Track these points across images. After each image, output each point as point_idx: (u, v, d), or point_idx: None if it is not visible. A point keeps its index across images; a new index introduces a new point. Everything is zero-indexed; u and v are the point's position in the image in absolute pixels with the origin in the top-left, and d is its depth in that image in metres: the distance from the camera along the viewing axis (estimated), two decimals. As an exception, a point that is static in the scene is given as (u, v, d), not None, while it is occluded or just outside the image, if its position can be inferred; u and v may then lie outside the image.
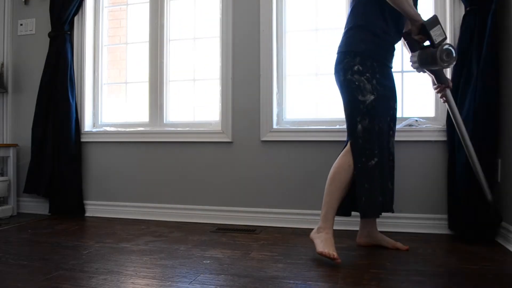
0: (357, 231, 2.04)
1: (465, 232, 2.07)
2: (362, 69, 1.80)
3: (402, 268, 1.62)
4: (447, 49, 1.76)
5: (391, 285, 1.43)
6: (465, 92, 2.09)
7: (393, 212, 1.91)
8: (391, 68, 1.93)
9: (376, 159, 1.77)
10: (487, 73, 2.02)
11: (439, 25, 1.78)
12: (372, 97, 1.79)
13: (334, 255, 1.66)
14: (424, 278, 1.51)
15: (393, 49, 1.92)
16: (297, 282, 1.48)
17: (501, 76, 2.05)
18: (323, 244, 1.72)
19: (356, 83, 1.80)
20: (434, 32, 1.76)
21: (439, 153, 2.25)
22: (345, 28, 1.91)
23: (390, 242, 1.94)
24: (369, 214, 1.81)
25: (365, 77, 1.79)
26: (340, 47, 1.89)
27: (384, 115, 1.84)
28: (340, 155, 1.86)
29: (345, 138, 2.34)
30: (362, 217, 1.94)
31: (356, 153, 1.78)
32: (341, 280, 1.49)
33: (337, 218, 2.48)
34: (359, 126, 1.79)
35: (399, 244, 1.92)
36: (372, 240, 1.97)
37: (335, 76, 1.90)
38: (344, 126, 2.39)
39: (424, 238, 2.13)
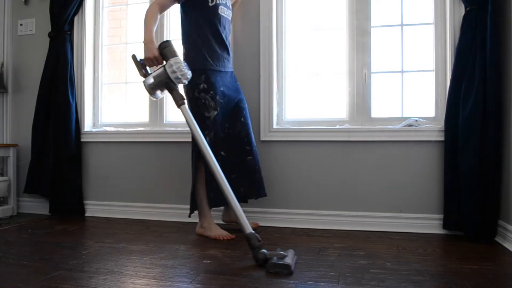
0: (361, 231, 2.07)
1: (464, 232, 2.08)
2: (207, 87, 2.11)
3: (402, 268, 1.62)
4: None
5: (391, 285, 1.43)
6: (468, 94, 2.07)
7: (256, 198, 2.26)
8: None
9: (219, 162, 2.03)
10: (492, 75, 2.01)
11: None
12: (215, 112, 2.12)
13: (227, 235, 2.09)
14: (424, 278, 1.51)
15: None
16: (297, 282, 1.48)
17: (503, 76, 2.05)
18: (210, 231, 2.13)
19: (203, 100, 2.11)
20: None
21: (439, 153, 2.25)
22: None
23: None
24: (219, 204, 2.19)
25: (209, 94, 2.11)
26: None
27: (224, 122, 2.19)
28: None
29: (344, 138, 2.36)
30: (212, 207, 2.21)
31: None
32: (341, 280, 1.49)
33: (337, 219, 2.49)
34: (207, 138, 2.06)
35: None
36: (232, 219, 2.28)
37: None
38: (344, 126, 2.41)
39: (424, 238, 2.13)
